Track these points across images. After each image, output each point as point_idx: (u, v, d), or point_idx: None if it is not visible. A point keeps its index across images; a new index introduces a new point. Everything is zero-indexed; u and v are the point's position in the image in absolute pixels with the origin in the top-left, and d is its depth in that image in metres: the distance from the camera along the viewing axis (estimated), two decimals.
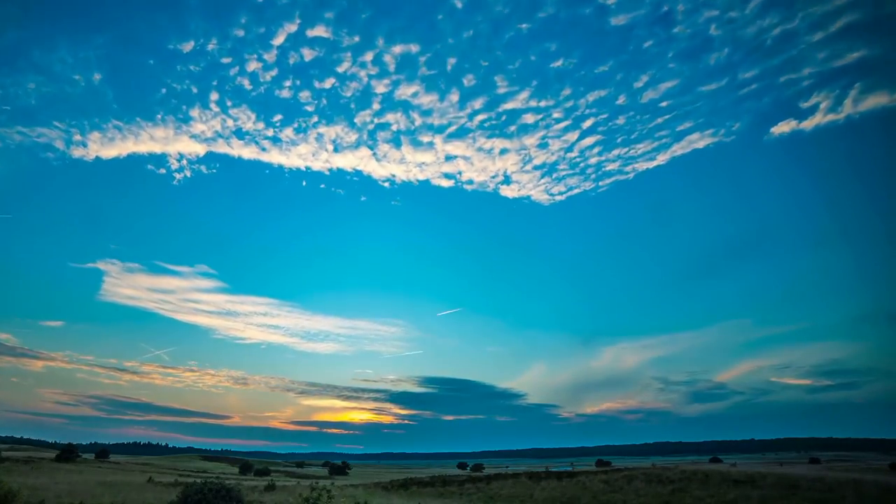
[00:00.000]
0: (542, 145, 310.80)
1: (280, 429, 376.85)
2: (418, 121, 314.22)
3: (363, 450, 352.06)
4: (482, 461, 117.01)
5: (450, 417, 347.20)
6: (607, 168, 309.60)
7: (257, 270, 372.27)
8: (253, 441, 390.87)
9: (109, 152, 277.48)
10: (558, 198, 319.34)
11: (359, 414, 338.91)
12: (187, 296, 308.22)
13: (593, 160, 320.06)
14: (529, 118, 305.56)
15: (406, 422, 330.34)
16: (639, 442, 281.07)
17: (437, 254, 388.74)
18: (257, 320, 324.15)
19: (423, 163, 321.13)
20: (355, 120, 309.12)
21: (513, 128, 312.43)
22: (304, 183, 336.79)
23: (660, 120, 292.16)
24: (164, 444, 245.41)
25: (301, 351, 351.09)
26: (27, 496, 17.78)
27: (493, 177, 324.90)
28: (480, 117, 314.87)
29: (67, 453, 50.21)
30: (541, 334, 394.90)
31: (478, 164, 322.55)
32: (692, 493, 25.17)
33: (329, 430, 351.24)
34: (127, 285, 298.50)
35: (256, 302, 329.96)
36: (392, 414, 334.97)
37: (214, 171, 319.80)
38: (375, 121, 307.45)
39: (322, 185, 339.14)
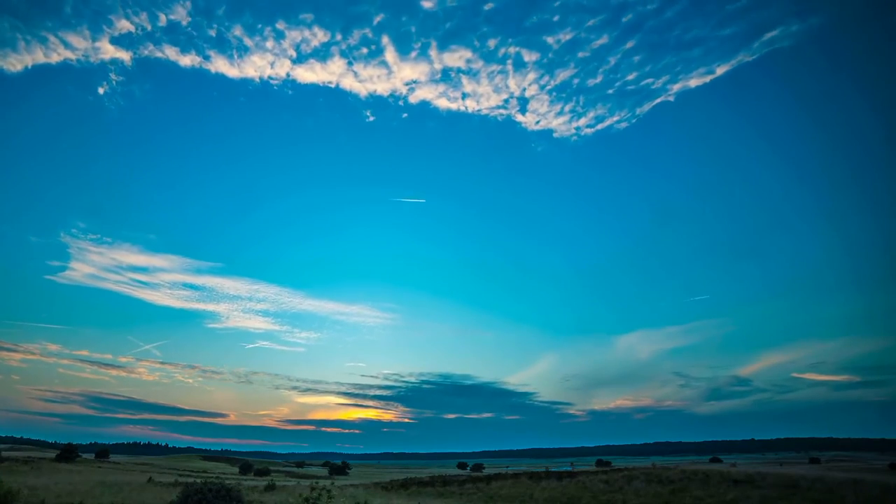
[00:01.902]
0: (569, 50, 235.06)
1: (277, 428, 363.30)
2: (405, 13, 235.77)
3: (363, 449, 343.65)
4: (486, 461, 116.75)
5: (452, 416, 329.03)
6: (653, 85, 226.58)
7: (222, 239, 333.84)
8: (251, 441, 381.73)
9: (13, 64, 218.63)
10: (586, 131, 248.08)
11: (357, 412, 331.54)
12: (164, 277, 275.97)
13: (632, 76, 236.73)
14: (554, 10, 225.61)
15: (406, 420, 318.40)
16: (647, 441, 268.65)
17: (435, 221, 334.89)
18: (242, 305, 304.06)
19: (415, 80, 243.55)
20: (322, 11, 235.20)
21: (533, 19, 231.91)
22: (259, 113, 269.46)
23: (729, 8, 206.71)
24: (163, 443, 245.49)
25: (292, 342, 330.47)
26: (27, 496, 17.79)
27: (507, 101, 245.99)
28: (488, 6, 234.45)
29: (67, 453, 50.22)
30: (549, 322, 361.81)
31: (486, 81, 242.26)
32: (692, 493, 25.17)
33: (327, 430, 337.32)
34: (93, 264, 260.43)
35: (239, 283, 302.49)
36: (392, 412, 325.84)
37: (148, 89, 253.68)
38: (348, 11, 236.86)
39: (286, 114, 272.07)
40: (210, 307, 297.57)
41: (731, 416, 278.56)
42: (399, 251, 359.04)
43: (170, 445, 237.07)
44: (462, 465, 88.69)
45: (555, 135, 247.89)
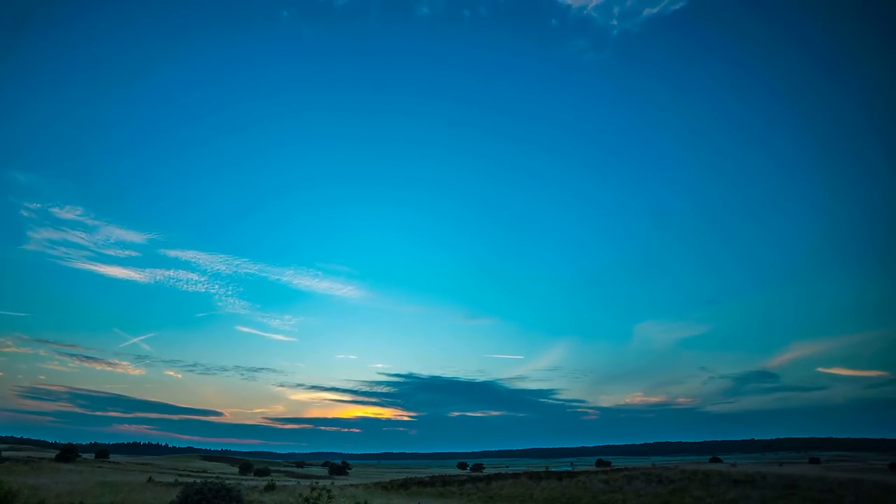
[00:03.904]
0: None
1: (274, 427, 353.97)
2: None
3: (363, 449, 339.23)
4: (488, 461, 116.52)
5: (455, 414, 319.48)
6: None
7: (193, 212, 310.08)
8: (251, 440, 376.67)
9: None
10: (632, 19, 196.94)
11: (355, 410, 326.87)
12: (130, 251, 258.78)
13: None
14: None
15: (406, 418, 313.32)
16: (647, 441, 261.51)
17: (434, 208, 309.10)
18: (224, 288, 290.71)
19: None
20: None
21: None
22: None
23: None
24: (163, 443, 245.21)
25: (282, 330, 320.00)
26: (27, 496, 17.79)
27: None
28: None
29: (67, 453, 50.18)
30: (556, 316, 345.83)
31: None
32: (692, 493, 25.16)
33: (325, 428, 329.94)
34: (50, 236, 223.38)
35: (217, 259, 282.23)
36: (392, 410, 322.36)
37: None
38: None
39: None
40: (191, 289, 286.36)
41: (750, 415, 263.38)
42: (397, 238, 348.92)
43: (169, 445, 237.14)
44: (462, 465, 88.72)
45: (595, 18, 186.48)
